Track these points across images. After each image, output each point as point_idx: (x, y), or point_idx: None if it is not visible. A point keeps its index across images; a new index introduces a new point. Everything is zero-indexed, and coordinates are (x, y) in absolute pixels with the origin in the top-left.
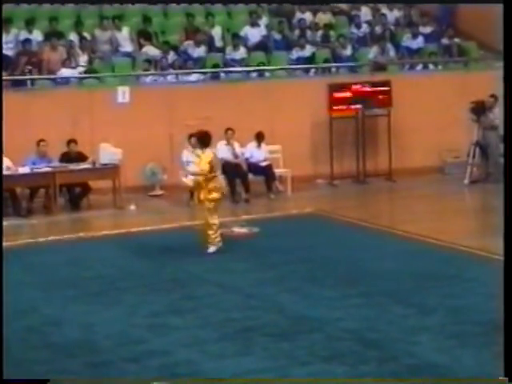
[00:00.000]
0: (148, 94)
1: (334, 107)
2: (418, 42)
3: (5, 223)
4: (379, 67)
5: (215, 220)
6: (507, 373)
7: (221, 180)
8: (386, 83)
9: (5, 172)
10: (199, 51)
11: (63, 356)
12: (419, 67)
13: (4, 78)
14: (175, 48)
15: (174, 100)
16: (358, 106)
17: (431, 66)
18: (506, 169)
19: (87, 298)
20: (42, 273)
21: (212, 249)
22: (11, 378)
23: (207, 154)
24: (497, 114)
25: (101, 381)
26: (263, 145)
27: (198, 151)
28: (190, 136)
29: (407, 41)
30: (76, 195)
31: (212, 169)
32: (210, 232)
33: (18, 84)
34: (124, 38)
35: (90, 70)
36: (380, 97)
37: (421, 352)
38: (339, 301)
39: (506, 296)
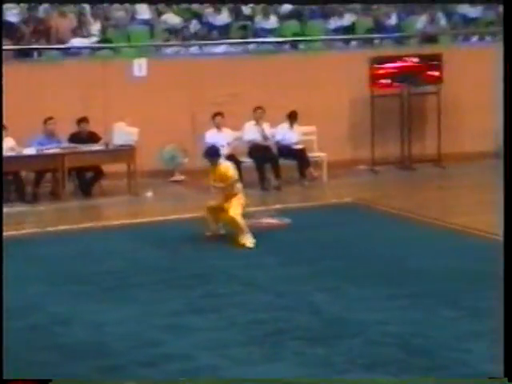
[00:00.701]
0: (168, 68)
1: (377, 83)
2: (476, 10)
3: (8, 210)
4: (428, 38)
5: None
6: (507, 373)
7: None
8: (436, 57)
9: (8, 153)
10: (225, 20)
11: (71, 358)
12: (474, 39)
13: (7, 47)
14: (198, 16)
15: (196, 74)
16: (404, 83)
17: (488, 38)
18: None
19: (98, 294)
20: (48, 266)
21: (249, 244)
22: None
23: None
24: None
25: (103, 382)
26: (296, 125)
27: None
28: (215, 115)
29: (463, 8)
30: (87, 180)
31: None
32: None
33: (24, 55)
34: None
35: (103, 40)
36: (429, 72)
37: (473, 360)
38: (381, 302)
39: (505, 296)
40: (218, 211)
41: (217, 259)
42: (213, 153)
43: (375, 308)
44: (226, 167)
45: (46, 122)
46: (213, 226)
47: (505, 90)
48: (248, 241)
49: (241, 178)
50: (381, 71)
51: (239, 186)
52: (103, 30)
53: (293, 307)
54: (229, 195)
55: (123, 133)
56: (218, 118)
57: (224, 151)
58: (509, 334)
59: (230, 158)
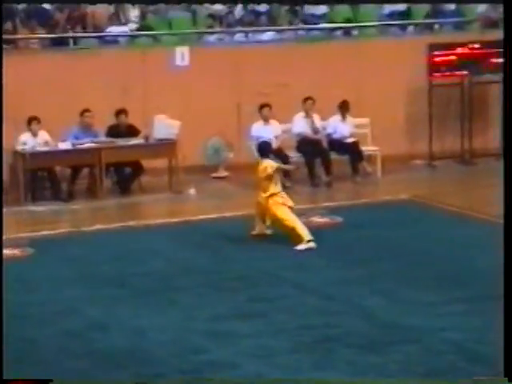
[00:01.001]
0: (211, 56)
1: (436, 72)
2: None
3: (43, 208)
4: (491, 23)
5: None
6: (507, 373)
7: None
8: (500, 43)
9: (42, 148)
10: (272, 5)
11: (108, 366)
12: None
13: (43, 35)
14: (244, 0)
15: (242, 63)
16: (465, 71)
17: None
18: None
19: (137, 298)
20: (84, 268)
21: (304, 245)
22: None
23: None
24: None
25: (105, 381)
26: (349, 117)
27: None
28: (262, 106)
29: None
30: (126, 176)
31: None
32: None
33: (59, 43)
34: None
35: (142, 27)
36: (491, 59)
37: None
38: (440, 306)
39: (505, 298)
40: (264, 209)
41: (263, 260)
42: (264, 148)
43: (433, 313)
44: (268, 164)
45: (82, 114)
46: (260, 225)
47: (505, 90)
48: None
49: (288, 173)
50: (440, 59)
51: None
52: (142, 17)
53: (345, 312)
54: (270, 194)
55: (164, 126)
56: (265, 110)
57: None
58: (509, 334)
59: (278, 152)
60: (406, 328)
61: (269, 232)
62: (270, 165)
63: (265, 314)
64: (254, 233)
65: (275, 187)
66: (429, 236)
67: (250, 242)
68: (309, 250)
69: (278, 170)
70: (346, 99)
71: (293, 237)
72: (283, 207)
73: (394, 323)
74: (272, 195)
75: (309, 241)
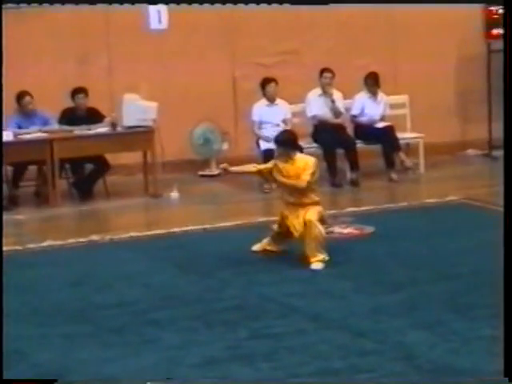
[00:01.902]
0: (197, 17)
1: (495, 31)
2: None
3: None
4: None
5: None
6: (507, 373)
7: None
8: None
9: None
10: None
11: None
12: None
13: None
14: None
15: (238, 26)
16: None
17: None
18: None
19: (104, 336)
20: (32, 297)
21: (318, 265)
22: None
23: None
24: None
25: (107, 381)
26: (380, 94)
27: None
28: (265, 81)
29: None
30: (86, 176)
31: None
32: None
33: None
34: None
35: None
36: None
37: None
38: (502, 343)
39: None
40: (285, 228)
41: (268, 285)
42: (294, 141)
43: (493, 351)
44: (306, 161)
45: (18, 99)
46: (267, 240)
47: (505, 90)
48: (318, 260)
49: None
50: (500, 14)
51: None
52: None
53: (377, 351)
54: (298, 204)
55: (136, 109)
56: (269, 86)
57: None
58: (509, 334)
59: (341, 131)
60: (459, 371)
61: (275, 249)
62: (308, 162)
63: (271, 355)
64: (256, 249)
65: (315, 194)
66: (487, 249)
67: (251, 260)
68: (327, 270)
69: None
70: (374, 71)
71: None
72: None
73: (442, 365)
74: (314, 204)
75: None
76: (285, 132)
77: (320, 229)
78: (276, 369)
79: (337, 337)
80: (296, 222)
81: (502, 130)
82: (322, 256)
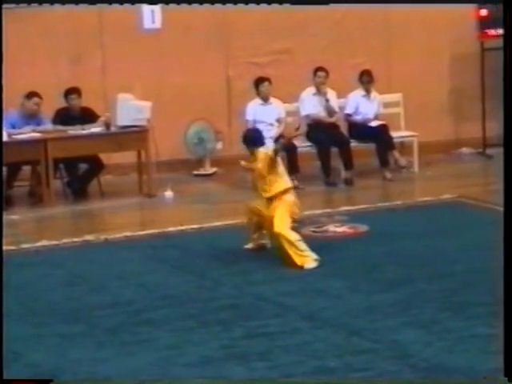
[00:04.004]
0: (191, 17)
1: (488, 30)
2: None
3: None
4: None
5: (293, 235)
6: (507, 373)
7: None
8: None
9: None
10: None
11: None
12: None
13: None
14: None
15: (232, 25)
16: None
17: None
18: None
19: (98, 336)
20: (26, 298)
21: (311, 263)
22: None
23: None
24: None
25: (103, 381)
26: (374, 93)
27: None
28: (259, 81)
29: None
30: (80, 176)
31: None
32: (292, 251)
33: None
34: None
35: None
36: None
37: None
38: (497, 341)
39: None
40: (260, 217)
41: (264, 284)
42: (255, 138)
43: (488, 350)
44: (263, 152)
45: (29, 98)
46: (254, 236)
47: (505, 90)
48: (308, 259)
49: (297, 168)
50: (494, 14)
51: (283, 181)
52: None
53: (372, 350)
54: (270, 197)
55: (130, 108)
56: (263, 86)
57: (272, 132)
58: (509, 334)
59: (335, 130)
60: (454, 370)
61: (266, 242)
62: (264, 152)
63: (266, 354)
64: (249, 246)
65: (282, 181)
66: (482, 248)
67: (246, 260)
68: (322, 269)
69: (277, 152)
70: (368, 68)
71: (290, 255)
72: (287, 215)
73: (436, 364)
74: (281, 193)
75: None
76: (245, 131)
77: (291, 236)
78: (271, 368)
79: (331, 336)
80: (265, 220)
81: (502, 129)
82: (309, 257)
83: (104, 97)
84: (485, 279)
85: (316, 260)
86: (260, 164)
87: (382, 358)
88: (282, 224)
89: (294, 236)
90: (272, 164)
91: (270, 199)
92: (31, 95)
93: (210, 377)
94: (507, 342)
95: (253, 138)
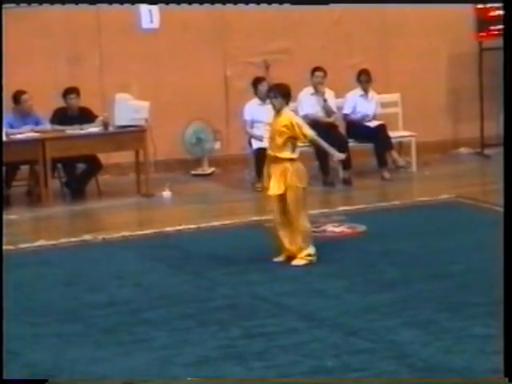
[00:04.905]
0: (189, 17)
1: (486, 31)
2: None
3: None
4: None
5: (305, 220)
6: (507, 373)
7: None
8: None
9: None
10: None
11: None
12: None
13: None
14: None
15: (229, 25)
16: None
17: None
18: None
19: (96, 336)
20: (24, 297)
21: (300, 261)
22: None
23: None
24: None
25: (100, 380)
26: (372, 93)
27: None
28: (257, 81)
29: None
30: (78, 175)
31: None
32: (300, 240)
33: None
34: None
35: None
36: None
37: None
38: (495, 341)
39: (506, 297)
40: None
41: (261, 284)
42: (286, 92)
43: (486, 350)
44: (290, 120)
45: (16, 99)
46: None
47: (505, 90)
48: (304, 256)
49: None
50: (491, 14)
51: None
52: None
53: (370, 350)
54: (274, 159)
55: (128, 108)
56: (261, 85)
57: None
58: (509, 334)
59: (333, 130)
60: (451, 370)
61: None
62: (291, 117)
63: (264, 354)
64: (281, 258)
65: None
66: (480, 248)
67: (243, 260)
68: (319, 269)
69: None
70: (365, 68)
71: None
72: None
73: (434, 364)
74: (288, 160)
75: (310, 254)
76: (280, 84)
77: (305, 223)
78: (268, 368)
79: (329, 336)
80: (275, 184)
81: (501, 129)
82: (308, 251)
83: (102, 96)
84: (482, 279)
85: (310, 260)
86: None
87: (379, 358)
88: (298, 211)
89: (307, 226)
90: (292, 131)
91: (275, 161)
92: (18, 95)
93: (208, 376)
94: (507, 341)
95: (285, 93)
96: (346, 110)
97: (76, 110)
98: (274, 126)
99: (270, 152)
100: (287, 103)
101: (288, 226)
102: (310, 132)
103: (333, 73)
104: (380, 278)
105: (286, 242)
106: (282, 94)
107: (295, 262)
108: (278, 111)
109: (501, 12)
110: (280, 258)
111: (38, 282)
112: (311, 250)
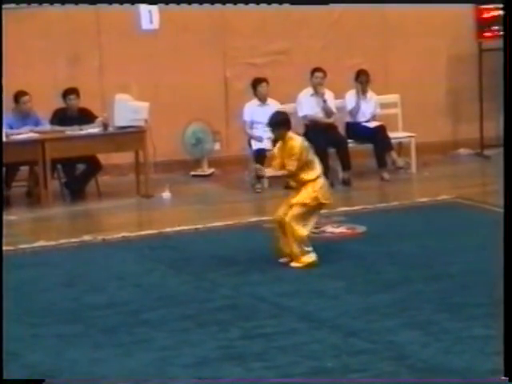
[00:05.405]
0: (188, 17)
1: (486, 32)
2: None
3: None
4: None
5: (304, 230)
6: (507, 373)
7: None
8: None
9: None
10: None
11: None
12: None
13: None
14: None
15: (229, 26)
16: None
17: None
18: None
19: (95, 336)
20: (24, 298)
21: (297, 264)
22: None
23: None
24: None
25: (97, 380)
26: (370, 93)
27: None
28: (257, 81)
29: None
30: (78, 176)
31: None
32: (295, 247)
33: None
34: None
35: None
36: None
37: None
38: (495, 342)
39: (506, 297)
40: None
41: (261, 285)
42: (281, 120)
43: (486, 351)
44: (292, 145)
45: (16, 100)
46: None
47: (505, 91)
48: (303, 260)
49: None
50: (491, 15)
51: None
52: None
53: (369, 350)
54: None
55: (128, 109)
56: (260, 86)
57: (269, 133)
58: (509, 333)
59: (332, 131)
60: (451, 371)
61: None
62: (294, 146)
63: (263, 354)
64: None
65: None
66: (479, 249)
67: (243, 260)
68: (319, 269)
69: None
70: (363, 68)
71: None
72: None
73: (434, 365)
74: (309, 182)
75: (308, 264)
76: (276, 113)
77: (300, 230)
78: (268, 368)
79: (329, 336)
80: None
81: (501, 130)
82: (308, 260)
83: (102, 97)
84: (482, 280)
85: (312, 263)
86: (291, 161)
87: (379, 358)
88: (295, 217)
89: (302, 232)
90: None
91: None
92: (19, 96)
93: (207, 377)
94: (507, 342)
95: (283, 121)
96: (350, 107)
97: (76, 111)
98: (281, 153)
99: (292, 184)
100: (288, 129)
101: (284, 234)
102: (292, 168)
103: (332, 74)
104: (380, 278)
105: (285, 247)
106: (278, 125)
107: (294, 264)
108: (282, 139)
109: (501, 12)
110: (285, 259)
111: (37, 282)
112: (310, 258)
